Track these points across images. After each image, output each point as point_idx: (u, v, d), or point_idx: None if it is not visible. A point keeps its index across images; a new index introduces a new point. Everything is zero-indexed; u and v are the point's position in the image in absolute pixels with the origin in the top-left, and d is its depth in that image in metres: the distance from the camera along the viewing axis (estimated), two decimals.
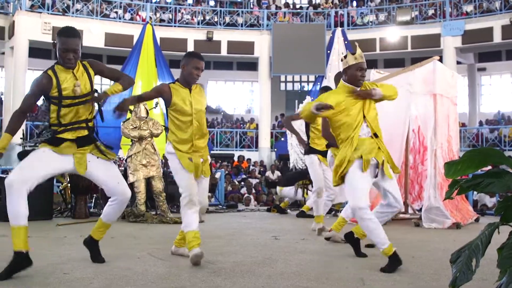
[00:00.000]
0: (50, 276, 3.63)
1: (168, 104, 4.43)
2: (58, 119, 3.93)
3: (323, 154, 6.85)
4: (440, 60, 8.44)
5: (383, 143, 4.39)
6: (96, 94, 4.05)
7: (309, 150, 6.95)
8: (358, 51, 4.40)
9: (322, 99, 4.40)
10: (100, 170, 4.04)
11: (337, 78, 5.85)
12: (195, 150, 4.44)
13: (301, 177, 10.83)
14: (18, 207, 3.69)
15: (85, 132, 4.02)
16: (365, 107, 4.37)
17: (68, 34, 3.91)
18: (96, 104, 4.09)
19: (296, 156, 10.66)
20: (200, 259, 4.13)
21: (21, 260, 3.67)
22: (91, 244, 4.29)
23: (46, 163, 3.87)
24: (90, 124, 4.06)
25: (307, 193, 10.73)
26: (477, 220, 8.41)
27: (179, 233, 4.65)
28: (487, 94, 23.73)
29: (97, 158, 4.04)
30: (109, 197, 4.12)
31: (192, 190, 4.38)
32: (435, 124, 7.72)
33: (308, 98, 11.23)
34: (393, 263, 4.07)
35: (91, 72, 4.07)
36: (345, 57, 4.44)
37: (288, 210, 10.75)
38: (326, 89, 7.02)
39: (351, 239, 4.76)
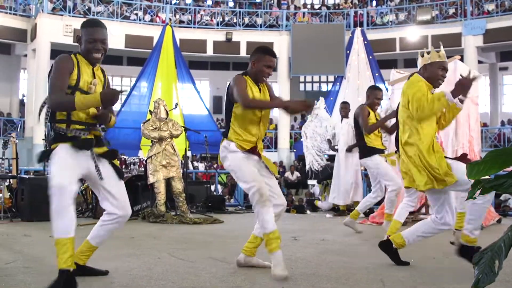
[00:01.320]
0: None
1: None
2: (67, 113, 3.47)
3: (383, 152, 6.79)
4: (461, 59, 8.35)
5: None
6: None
7: (368, 151, 6.76)
8: (442, 50, 4.21)
9: (422, 89, 4.03)
10: (114, 179, 3.60)
11: None
12: (258, 152, 4.09)
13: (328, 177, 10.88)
14: (72, 215, 3.27)
15: (97, 133, 3.61)
16: None
17: (95, 25, 3.66)
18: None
19: (311, 158, 10.66)
20: (284, 278, 3.61)
21: (69, 281, 3.21)
22: (77, 269, 3.49)
23: (77, 162, 3.44)
24: (99, 128, 3.66)
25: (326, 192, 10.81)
26: (499, 221, 8.30)
27: (250, 239, 4.18)
28: (509, 93, 23.43)
29: (109, 165, 3.62)
30: (108, 215, 3.58)
31: (261, 183, 3.83)
32: (456, 124, 7.63)
33: (322, 100, 11.19)
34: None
35: (106, 81, 3.75)
36: (428, 53, 4.20)
37: (308, 211, 10.74)
38: (376, 87, 7.04)
39: (388, 249, 4.33)
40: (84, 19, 4.05)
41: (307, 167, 10.86)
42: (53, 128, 3.47)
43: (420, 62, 4.27)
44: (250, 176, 3.88)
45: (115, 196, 3.55)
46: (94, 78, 3.59)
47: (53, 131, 3.48)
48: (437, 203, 4.07)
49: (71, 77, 3.47)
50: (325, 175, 10.97)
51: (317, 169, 10.63)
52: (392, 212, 6.51)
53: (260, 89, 4.13)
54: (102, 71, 3.76)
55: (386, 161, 6.72)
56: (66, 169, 3.35)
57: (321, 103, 10.97)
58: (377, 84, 17.80)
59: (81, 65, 3.54)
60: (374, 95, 6.82)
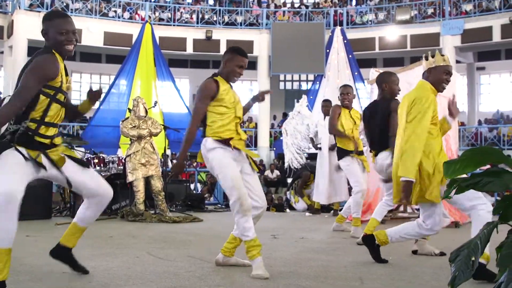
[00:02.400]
0: (48, 275, 3.62)
1: (213, 98, 4.02)
2: (43, 113, 3.31)
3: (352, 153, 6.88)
4: None
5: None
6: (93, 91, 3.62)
7: (340, 153, 6.88)
8: (447, 54, 4.21)
9: (427, 98, 3.96)
10: (78, 172, 3.50)
11: (380, 79, 5.74)
12: (241, 139, 4.07)
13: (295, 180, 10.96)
14: (14, 225, 3.08)
15: (56, 140, 3.47)
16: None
17: (64, 15, 3.48)
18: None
19: (291, 156, 10.65)
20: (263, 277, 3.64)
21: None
22: (64, 254, 3.64)
23: (27, 166, 3.23)
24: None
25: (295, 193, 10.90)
26: None
27: (229, 239, 4.14)
28: (486, 93, 23.75)
29: (71, 159, 3.52)
30: (88, 199, 3.58)
31: (242, 191, 3.82)
32: None
33: (305, 98, 11.21)
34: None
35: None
36: (433, 56, 4.16)
37: (287, 210, 10.77)
38: (343, 86, 7.23)
39: (370, 243, 4.36)
40: None
41: (286, 164, 10.86)
42: (20, 125, 3.26)
43: (424, 66, 4.22)
44: (232, 181, 3.84)
45: (89, 186, 3.53)
46: (67, 75, 3.46)
47: (17, 127, 3.25)
48: (427, 210, 4.02)
49: (56, 80, 3.30)
50: (296, 175, 11.02)
51: (296, 167, 10.64)
52: (359, 216, 6.59)
53: (231, 86, 4.16)
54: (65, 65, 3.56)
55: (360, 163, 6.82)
56: (17, 172, 3.15)
57: (303, 101, 10.96)
58: (356, 83, 17.96)
59: (60, 64, 3.35)
60: (340, 92, 7.05)
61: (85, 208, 3.62)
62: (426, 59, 4.20)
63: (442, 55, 4.17)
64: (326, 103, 9.56)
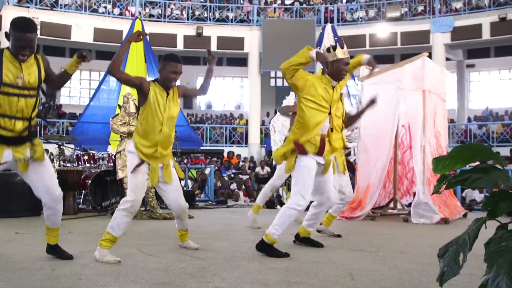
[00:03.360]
0: (38, 272, 3.60)
1: (143, 100, 4.26)
2: None
3: None
4: (429, 56, 8.48)
5: (339, 138, 4.64)
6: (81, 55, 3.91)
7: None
8: (345, 47, 4.58)
9: (307, 77, 4.62)
10: (33, 168, 3.78)
11: None
12: (158, 157, 4.29)
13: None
14: None
15: (25, 133, 3.73)
16: (333, 106, 4.55)
17: (24, 29, 3.60)
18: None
19: None
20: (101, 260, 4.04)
21: None
22: (51, 250, 4.12)
23: None
24: (32, 122, 3.77)
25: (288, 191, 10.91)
26: (465, 215, 8.47)
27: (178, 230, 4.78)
28: (476, 90, 23.89)
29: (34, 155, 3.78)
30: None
31: (138, 198, 4.25)
32: (424, 120, 7.75)
33: (292, 94, 11.21)
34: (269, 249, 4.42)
35: (42, 67, 3.79)
36: (334, 49, 4.51)
37: (278, 206, 10.78)
38: None
39: (301, 240, 5.10)
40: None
41: (273, 161, 10.86)
42: None
43: (328, 58, 4.54)
44: (134, 187, 4.23)
45: (36, 185, 3.82)
46: (21, 71, 3.65)
47: None
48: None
49: None
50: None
51: None
52: (262, 204, 7.13)
53: (168, 94, 4.34)
54: (37, 60, 3.77)
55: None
56: None
57: (291, 98, 10.96)
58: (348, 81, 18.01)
59: (4, 61, 3.61)
60: None
61: (44, 209, 3.95)
62: (328, 51, 4.56)
63: (342, 48, 4.54)
64: None
